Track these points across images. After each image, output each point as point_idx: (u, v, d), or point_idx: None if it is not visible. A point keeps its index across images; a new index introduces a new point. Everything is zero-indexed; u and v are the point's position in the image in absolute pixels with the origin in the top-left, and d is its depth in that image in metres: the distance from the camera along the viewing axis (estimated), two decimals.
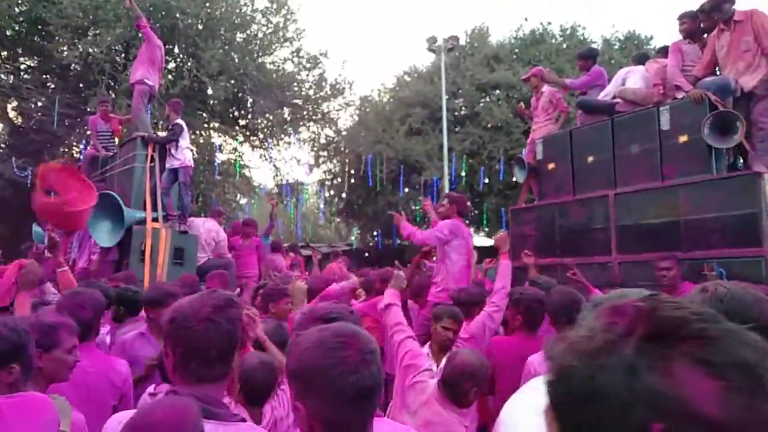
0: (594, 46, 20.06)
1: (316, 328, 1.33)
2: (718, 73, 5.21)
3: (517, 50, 21.33)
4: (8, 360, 1.69)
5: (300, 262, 9.69)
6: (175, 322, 1.52)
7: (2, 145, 14.65)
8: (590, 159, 5.88)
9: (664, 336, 0.58)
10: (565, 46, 20.48)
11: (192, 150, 7.93)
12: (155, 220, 6.91)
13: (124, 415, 1.56)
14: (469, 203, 5.42)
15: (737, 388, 0.53)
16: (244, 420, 1.57)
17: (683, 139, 5.05)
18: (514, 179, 7.46)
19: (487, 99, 20.12)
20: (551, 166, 6.39)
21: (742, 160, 5.17)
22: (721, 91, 4.85)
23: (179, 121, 7.36)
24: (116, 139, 8.40)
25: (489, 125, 19.03)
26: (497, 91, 19.97)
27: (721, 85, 4.90)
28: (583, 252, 5.67)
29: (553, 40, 21.36)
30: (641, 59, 6.22)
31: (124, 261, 6.76)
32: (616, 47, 20.78)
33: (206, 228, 7.71)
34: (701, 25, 5.28)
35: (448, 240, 4.91)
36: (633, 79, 5.80)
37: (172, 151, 7.22)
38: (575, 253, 5.75)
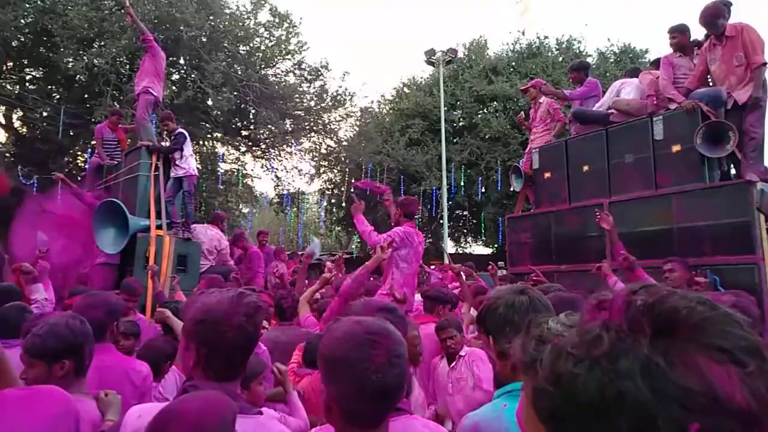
0: (589, 59, 20.34)
1: (352, 319, 1.37)
2: (710, 84, 5.35)
3: (514, 63, 21.59)
4: (61, 356, 1.91)
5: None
6: (205, 324, 1.55)
7: (7, 155, 14.77)
8: (585, 168, 6.01)
9: (673, 329, 0.53)
10: (561, 59, 20.75)
11: (195, 159, 8.05)
12: (159, 227, 7.02)
13: (143, 408, 1.59)
14: (415, 204, 5.19)
15: (754, 372, 0.50)
16: (260, 413, 1.65)
17: (676, 148, 5.19)
18: (512, 189, 7.58)
19: (485, 110, 20.35)
20: (547, 175, 6.52)
21: (734, 170, 5.30)
22: (713, 102, 5.00)
23: (181, 129, 7.49)
24: (121, 148, 8.52)
25: (487, 136, 19.24)
26: (495, 103, 20.21)
27: (713, 97, 5.05)
28: (578, 259, 5.77)
29: (550, 53, 21.64)
30: (635, 72, 6.37)
31: (128, 268, 6.86)
32: (612, 60, 21.04)
33: (208, 236, 7.82)
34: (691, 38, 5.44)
35: (397, 247, 4.83)
36: (627, 90, 5.94)
37: (177, 161, 7.34)
38: (571, 260, 5.86)
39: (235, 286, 5.47)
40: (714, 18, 5.02)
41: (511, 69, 21.10)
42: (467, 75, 20.86)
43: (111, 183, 8.09)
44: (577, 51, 21.66)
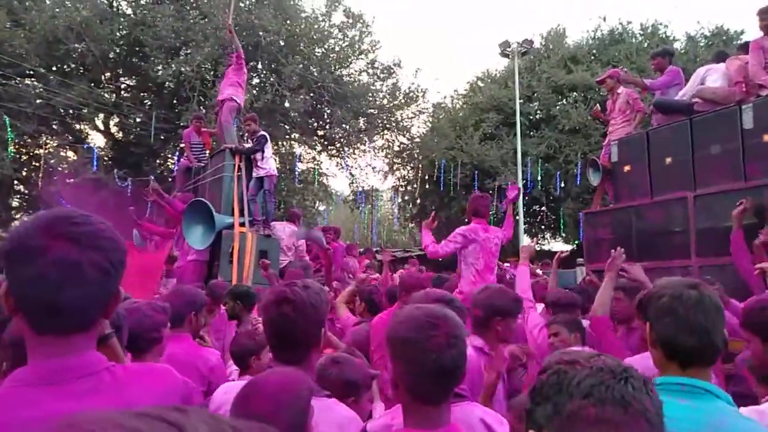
0: (677, 44, 19.19)
1: (414, 306, 1.49)
2: None
3: (595, 51, 20.76)
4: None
5: (373, 265, 10.03)
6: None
7: (106, 158, 16.05)
8: (668, 160, 5.74)
9: None
10: (646, 45, 19.70)
11: (275, 159, 8.42)
12: (242, 225, 7.42)
13: (229, 386, 1.79)
14: (479, 200, 5.25)
15: None
16: (330, 396, 1.77)
17: None
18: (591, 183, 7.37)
19: (564, 101, 19.71)
20: (627, 168, 6.28)
21: None
22: None
23: (262, 132, 7.86)
24: (207, 151, 9.07)
25: (566, 128, 18.62)
26: (574, 93, 19.52)
27: None
28: (661, 256, 5.54)
29: (634, 39, 20.61)
30: (721, 57, 6.00)
31: (215, 263, 7.32)
32: (702, 44, 19.71)
33: (287, 233, 8.17)
34: None
35: (462, 246, 4.92)
36: (713, 77, 5.61)
37: (258, 162, 7.71)
38: (653, 257, 5.61)
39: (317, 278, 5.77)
40: None
41: (592, 57, 20.30)
42: (544, 65, 20.28)
43: (198, 183, 8.64)
44: (664, 36, 20.49)
